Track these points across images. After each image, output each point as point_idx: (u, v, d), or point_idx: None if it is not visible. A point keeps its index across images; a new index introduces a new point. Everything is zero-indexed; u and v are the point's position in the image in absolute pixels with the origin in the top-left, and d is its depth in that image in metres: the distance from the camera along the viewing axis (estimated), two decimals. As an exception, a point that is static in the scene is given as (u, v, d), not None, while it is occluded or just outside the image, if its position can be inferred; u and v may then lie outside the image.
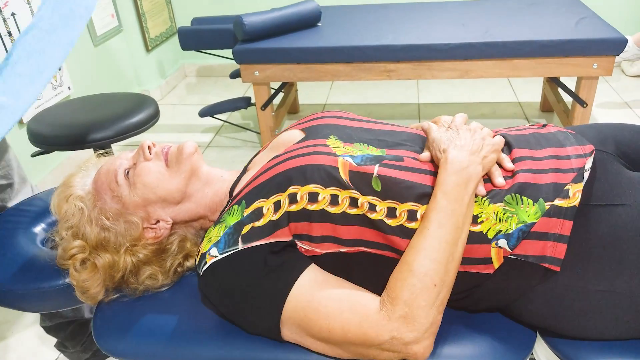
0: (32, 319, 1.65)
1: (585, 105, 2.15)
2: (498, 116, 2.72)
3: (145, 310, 0.88)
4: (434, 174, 0.79)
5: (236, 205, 0.81)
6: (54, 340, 1.44)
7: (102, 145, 1.69)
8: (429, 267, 0.71)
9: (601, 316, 0.74)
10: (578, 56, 2.04)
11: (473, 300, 0.79)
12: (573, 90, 2.22)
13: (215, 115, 2.49)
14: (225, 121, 2.77)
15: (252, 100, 2.46)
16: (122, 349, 0.84)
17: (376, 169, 0.78)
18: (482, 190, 0.77)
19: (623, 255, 0.72)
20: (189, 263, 0.93)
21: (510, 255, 0.75)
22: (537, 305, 0.77)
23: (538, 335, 0.81)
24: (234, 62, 3.28)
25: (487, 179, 0.80)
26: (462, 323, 0.80)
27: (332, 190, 0.76)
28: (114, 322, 0.87)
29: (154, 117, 1.82)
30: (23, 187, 1.30)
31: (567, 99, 2.54)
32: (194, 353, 0.81)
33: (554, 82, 2.37)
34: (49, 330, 1.32)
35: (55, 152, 1.75)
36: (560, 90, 2.56)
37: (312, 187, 0.77)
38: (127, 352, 0.84)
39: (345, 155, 0.80)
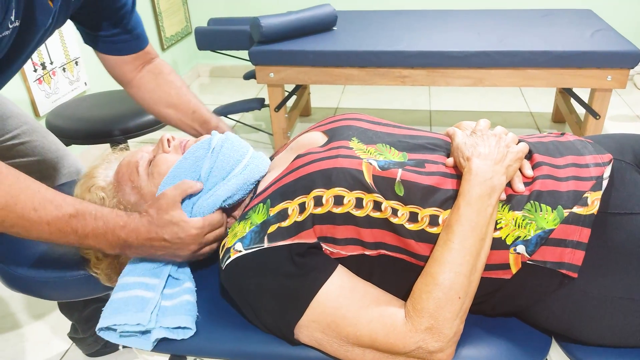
0: (45, 309, 1.67)
1: (598, 117, 2.16)
2: (509, 125, 2.73)
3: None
4: (457, 177, 0.80)
5: (261, 204, 0.82)
6: (67, 330, 1.46)
7: (118, 141, 1.72)
8: (453, 280, 0.72)
9: (617, 323, 0.75)
10: (592, 68, 2.05)
11: (490, 305, 0.80)
12: (586, 102, 2.22)
13: (229, 115, 2.52)
14: (238, 121, 2.79)
15: (266, 102, 2.48)
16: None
17: (399, 174, 0.79)
18: (502, 195, 0.78)
19: (640, 263, 0.73)
20: None
21: (528, 260, 0.76)
22: (553, 310, 0.77)
23: (553, 340, 0.82)
24: (246, 63, 3.31)
25: (507, 183, 0.80)
26: (479, 326, 0.81)
27: (357, 193, 0.78)
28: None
29: (171, 114, 1.84)
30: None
31: (580, 110, 2.55)
32: (211, 346, 0.83)
33: (566, 93, 2.37)
34: (62, 307, 1.33)
35: (72, 145, 1.77)
36: (572, 101, 2.56)
37: (338, 190, 0.78)
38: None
39: (369, 159, 0.81)
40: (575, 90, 2.34)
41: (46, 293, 0.97)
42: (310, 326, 0.76)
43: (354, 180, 0.78)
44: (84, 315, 1.32)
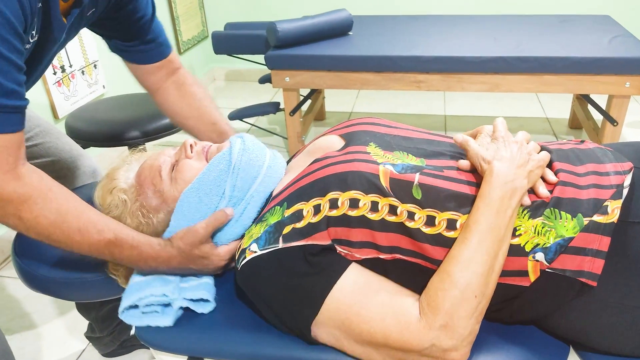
0: (62, 308, 1.70)
1: (615, 124, 2.14)
2: (525, 131, 2.70)
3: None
4: (475, 184, 0.80)
5: (277, 206, 0.83)
6: (83, 330, 1.48)
7: (136, 144, 1.74)
8: (470, 279, 0.72)
9: (636, 333, 0.74)
10: (610, 74, 2.03)
11: (508, 312, 0.80)
12: (603, 108, 2.20)
13: (244, 119, 2.53)
14: (252, 125, 2.81)
15: (281, 106, 2.50)
16: (158, 339, 0.87)
17: (417, 178, 0.79)
18: (527, 200, 0.77)
19: (661, 273, 0.73)
20: None
21: (547, 269, 0.75)
22: (572, 319, 0.77)
23: (571, 349, 0.81)
24: (262, 67, 3.33)
25: (530, 189, 0.80)
26: (497, 334, 0.80)
27: (373, 197, 0.78)
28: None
29: (187, 118, 1.86)
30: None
31: (597, 116, 2.52)
32: (228, 348, 0.83)
33: (583, 99, 2.35)
34: (79, 306, 1.34)
35: (90, 147, 1.80)
36: (590, 107, 2.54)
37: (353, 194, 0.78)
38: (162, 343, 0.86)
39: (386, 163, 0.82)
40: (592, 96, 2.32)
41: (66, 294, 0.98)
42: (326, 323, 0.76)
43: (369, 184, 0.78)
44: (101, 315, 1.34)
